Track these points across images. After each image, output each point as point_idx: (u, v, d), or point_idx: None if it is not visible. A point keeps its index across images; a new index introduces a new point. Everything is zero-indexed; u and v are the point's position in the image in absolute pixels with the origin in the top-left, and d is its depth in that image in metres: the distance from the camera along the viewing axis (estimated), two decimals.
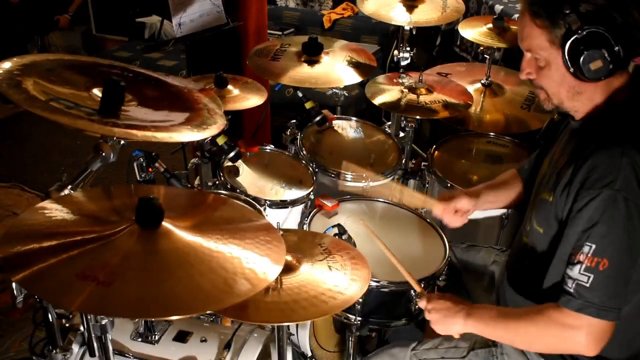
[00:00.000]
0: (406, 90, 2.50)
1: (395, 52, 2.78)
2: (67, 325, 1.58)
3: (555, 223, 1.41)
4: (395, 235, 1.98)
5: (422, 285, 1.67)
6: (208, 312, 1.61)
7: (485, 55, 2.72)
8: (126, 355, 1.57)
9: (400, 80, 2.59)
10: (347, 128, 2.65)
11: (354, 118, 2.72)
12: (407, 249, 1.89)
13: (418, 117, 2.54)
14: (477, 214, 1.97)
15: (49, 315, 1.41)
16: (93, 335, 1.30)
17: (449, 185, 2.32)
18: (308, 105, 2.48)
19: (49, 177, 3.83)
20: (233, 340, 1.58)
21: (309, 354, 1.94)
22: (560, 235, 1.39)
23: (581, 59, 1.30)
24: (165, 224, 1.23)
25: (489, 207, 1.88)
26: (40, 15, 5.16)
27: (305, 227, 1.95)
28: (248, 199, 2.07)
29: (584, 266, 1.29)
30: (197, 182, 2.61)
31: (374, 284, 1.73)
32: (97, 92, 1.42)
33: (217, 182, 2.24)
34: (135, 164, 1.78)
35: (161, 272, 1.14)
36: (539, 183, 1.58)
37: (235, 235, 1.29)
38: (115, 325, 1.32)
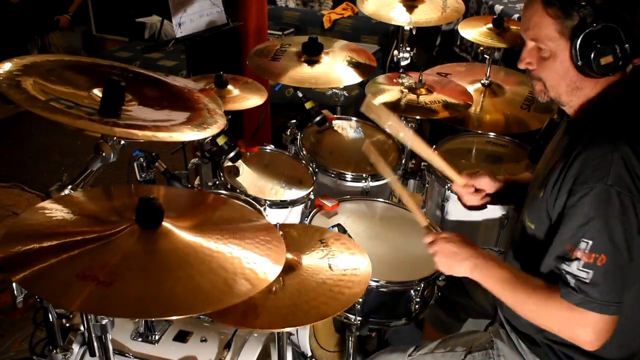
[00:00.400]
0: (406, 91, 2.50)
1: (395, 52, 2.78)
2: (67, 325, 1.58)
3: (546, 219, 1.41)
4: (395, 235, 1.98)
5: (421, 286, 1.67)
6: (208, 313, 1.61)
7: (485, 56, 2.72)
8: (126, 355, 1.57)
9: (400, 80, 2.59)
10: (347, 128, 2.65)
11: (354, 118, 2.72)
12: (407, 249, 1.89)
13: (418, 117, 2.54)
14: (477, 215, 1.97)
15: (49, 315, 1.41)
16: (93, 335, 1.30)
17: (449, 185, 2.32)
18: (308, 105, 2.48)
19: (49, 177, 3.83)
20: (233, 340, 1.58)
21: (309, 354, 1.94)
22: (551, 231, 1.39)
23: (592, 53, 1.29)
24: (165, 224, 1.23)
25: (505, 201, 1.83)
26: (40, 16, 5.16)
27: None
28: (248, 199, 2.08)
29: (582, 262, 1.29)
30: (197, 182, 2.62)
31: (374, 283, 1.73)
32: (97, 92, 1.43)
33: (217, 182, 2.24)
34: (135, 164, 1.78)
35: (161, 272, 1.14)
36: (533, 180, 1.59)
37: (235, 236, 1.29)
38: (115, 325, 1.32)
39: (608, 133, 1.33)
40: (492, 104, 2.70)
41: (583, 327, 1.31)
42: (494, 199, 1.79)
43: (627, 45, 1.29)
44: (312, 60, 2.40)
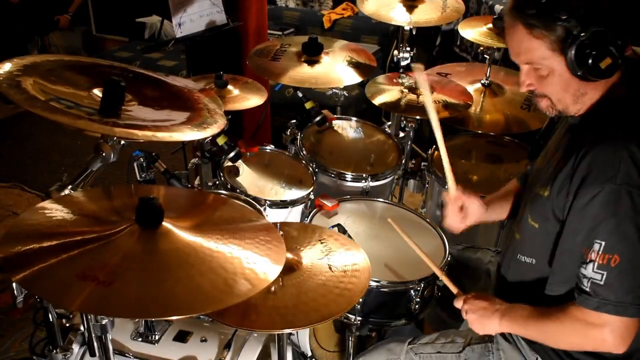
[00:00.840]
0: (406, 90, 2.50)
1: (395, 52, 2.78)
2: (67, 325, 1.58)
3: (553, 218, 1.41)
4: (396, 235, 1.98)
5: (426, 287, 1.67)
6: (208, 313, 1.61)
7: (485, 56, 2.72)
8: (126, 355, 1.57)
9: (400, 80, 2.59)
10: (347, 128, 2.65)
11: (354, 118, 2.72)
12: (407, 249, 1.89)
13: (418, 117, 2.54)
14: None
15: (49, 315, 1.41)
16: (93, 335, 1.30)
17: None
18: (308, 105, 2.48)
19: (49, 177, 3.83)
20: (233, 340, 1.58)
21: (309, 354, 1.94)
22: (557, 230, 1.39)
23: (590, 60, 1.28)
24: (165, 224, 1.23)
25: (495, 217, 1.83)
26: (40, 16, 5.16)
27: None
28: (248, 199, 2.08)
29: (596, 264, 1.29)
30: (197, 182, 2.62)
31: (374, 284, 1.73)
32: (97, 92, 1.43)
33: (217, 182, 2.24)
34: (135, 164, 1.78)
35: (161, 272, 1.14)
36: (533, 177, 1.58)
37: (235, 235, 1.29)
38: (115, 325, 1.32)
39: (614, 132, 1.32)
40: (492, 104, 2.69)
41: (601, 330, 1.30)
42: (488, 218, 1.80)
43: (619, 42, 1.29)
44: (312, 60, 2.40)
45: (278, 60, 2.40)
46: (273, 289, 1.41)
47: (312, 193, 2.22)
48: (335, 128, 2.62)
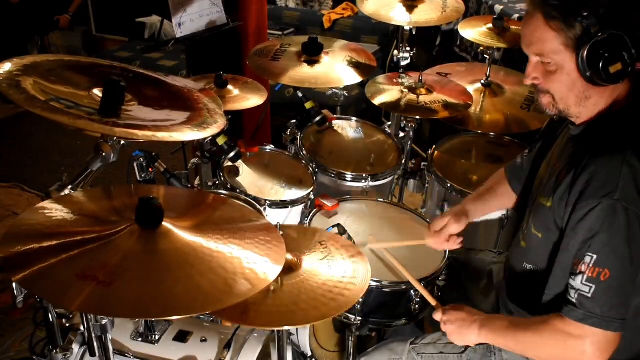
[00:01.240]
0: (406, 90, 2.50)
1: (395, 52, 2.78)
2: (67, 325, 1.58)
3: (555, 229, 1.41)
4: (395, 235, 1.98)
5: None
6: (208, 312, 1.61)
7: (485, 55, 2.72)
8: (126, 355, 1.57)
9: (400, 80, 2.59)
10: (347, 128, 2.65)
11: (354, 118, 2.72)
12: (407, 250, 1.89)
13: (418, 117, 2.54)
14: None
15: (50, 315, 1.41)
16: (93, 335, 1.30)
17: (448, 185, 2.32)
18: (308, 105, 2.48)
19: (49, 177, 3.83)
20: (233, 340, 1.58)
21: (309, 354, 1.94)
22: (560, 242, 1.39)
23: (601, 62, 1.27)
24: (165, 224, 1.23)
25: (482, 215, 1.86)
26: (40, 15, 5.16)
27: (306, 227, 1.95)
28: (248, 199, 2.08)
29: (585, 276, 1.28)
30: (197, 182, 2.62)
31: (374, 284, 1.73)
32: (97, 92, 1.43)
33: (217, 182, 2.24)
34: (135, 164, 1.78)
35: (161, 272, 1.14)
36: (537, 187, 1.57)
37: (235, 235, 1.29)
38: (115, 325, 1.32)
39: (616, 145, 1.31)
40: (492, 104, 2.69)
41: (582, 341, 1.30)
42: (474, 218, 1.84)
43: (634, 51, 1.28)
44: (312, 60, 2.40)
45: (278, 60, 2.40)
46: (272, 288, 1.41)
47: (312, 193, 2.22)
48: (335, 128, 2.62)
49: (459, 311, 1.52)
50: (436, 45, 4.33)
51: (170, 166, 1.89)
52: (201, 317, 1.75)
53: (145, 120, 1.38)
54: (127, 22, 5.44)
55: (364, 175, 2.33)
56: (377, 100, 2.46)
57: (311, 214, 2.03)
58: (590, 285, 1.28)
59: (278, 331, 1.48)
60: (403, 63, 2.73)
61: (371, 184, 2.32)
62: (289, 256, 1.50)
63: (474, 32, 2.71)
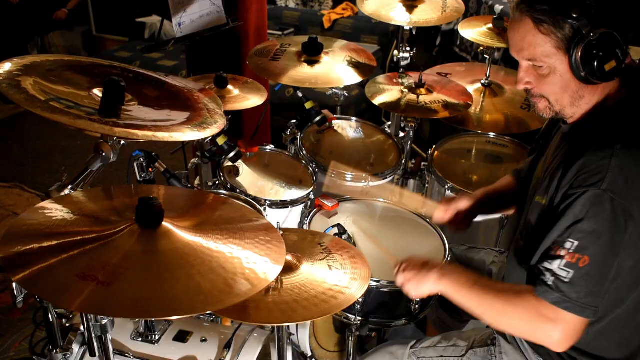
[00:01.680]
0: (406, 90, 2.50)
1: (395, 52, 2.78)
2: (67, 325, 1.58)
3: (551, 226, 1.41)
4: (395, 235, 1.98)
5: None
6: (208, 312, 1.61)
7: (485, 55, 2.72)
8: (126, 355, 1.57)
9: (400, 80, 2.59)
10: (347, 128, 2.65)
11: (354, 118, 2.72)
12: (407, 249, 1.89)
13: (418, 117, 2.54)
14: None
15: (49, 315, 1.41)
16: (93, 335, 1.30)
17: (448, 185, 2.32)
18: (308, 105, 2.48)
19: (49, 177, 3.84)
20: (233, 340, 1.58)
21: (309, 353, 1.94)
22: None
23: (596, 61, 1.28)
24: (165, 224, 1.23)
25: (485, 212, 1.85)
26: (40, 15, 5.16)
27: (305, 227, 1.95)
28: (248, 199, 2.08)
29: (564, 261, 1.28)
30: (197, 182, 2.62)
31: (374, 284, 1.73)
32: (97, 92, 1.43)
33: (217, 182, 2.24)
34: (135, 164, 1.78)
35: (161, 272, 1.14)
36: (533, 186, 1.58)
37: (235, 236, 1.29)
38: (115, 325, 1.32)
39: (607, 139, 1.32)
40: (492, 104, 2.70)
41: (554, 325, 1.29)
42: (480, 212, 1.82)
43: (625, 47, 1.29)
44: (312, 60, 2.40)
45: (278, 60, 2.40)
46: (273, 287, 1.41)
47: (312, 193, 2.22)
48: (335, 128, 2.62)
49: (417, 260, 1.50)
50: (436, 45, 4.33)
51: (170, 166, 1.88)
52: (201, 317, 1.75)
53: (145, 120, 1.38)
54: (127, 22, 5.44)
55: (364, 175, 2.33)
56: (377, 100, 2.46)
57: (311, 214, 2.03)
58: (569, 270, 1.28)
59: (278, 331, 1.49)
60: (403, 63, 2.74)
61: (371, 184, 2.32)
62: (289, 257, 1.50)
63: (474, 32, 2.71)
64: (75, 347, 1.55)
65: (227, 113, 1.89)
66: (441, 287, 1.44)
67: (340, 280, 1.47)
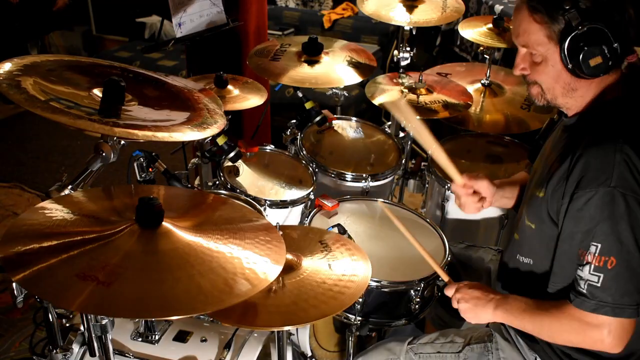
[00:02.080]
0: (406, 90, 2.50)
1: (395, 52, 2.78)
2: (67, 325, 1.58)
3: (548, 220, 1.41)
4: (396, 235, 1.98)
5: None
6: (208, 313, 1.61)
7: (485, 56, 2.72)
8: (126, 355, 1.57)
9: (400, 80, 2.59)
10: (347, 128, 2.65)
11: (354, 118, 2.72)
12: (407, 249, 1.89)
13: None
14: (477, 214, 1.96)
15: (49, 315, 1.41)
16: (93, 335, 1.30)
17: (448, 185, 2.32)
18: (308, 105, 2.48)
19: (49, 177, 3.84)
20: (233, 340, 1.58)
21: (309, 353, 1.94)
22: (552, 232, 1.40)
23: (581, 55, 1.30)
24: (165, 224, 1.23)
25: (503, 203, 1.83)
26: (40, 15, 5.16)
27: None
28: (248, 199, 2.08)
29: (592, 266, 1.29)
30: (197, 182, 2.62)
31: (374, 283, 1.73)
32: (97, 92, 1.43)
33: (217, 182, 2.24)
34: (135, 164, 1.78)
35: (161, 272, 1.14)
36: (531, 179, 1.59)
37: (235, 236, 1.29)
38: (115, 325, 1.32)
39: (609, 134, 1.33)
40: (492, 104, 2.70)
41: (600, 330, 1.31)
42: (495, 203, 1.80)
43: (615, 45, 1.29)
44: (312, 60, 2.40)
45: (278, 60, 2.40)
46: (273, 288, 1.41)
47: (312, 193, 2.22)
48: (335, 128, 2.62)
49: (474, 289, 1.52)
50: (436, 45, 4.33)
51: (170, 166, 1.88)
52: (201, 317, 1.75)
53: (145, 120, 1.38)
54: (127, 22, 5.44)
55: (364, 175, 2.33)
56: (377, 100, 2.46)
57: (311, 214, 2.03)
58: (598, 274, 1.29)
59: (278, 331, 1.49)
60: (403, 63, 2.73)
61: (371, 184, 2.32)
62: (289, 256, 1.50)
63: (474, 32, 2.71)
64: (75, 347, 1.55)
65: (227, 113, 1.89)
66: (497, 318, 1.48)
67: (341, 279, 1.47)
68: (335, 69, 2.39)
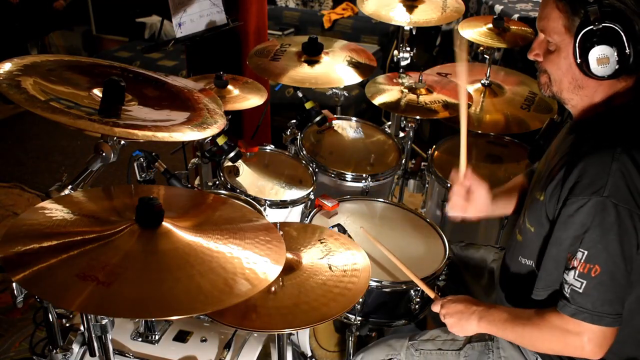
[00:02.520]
0: (406, 90, 2.50)
1: (395, 52, 2.78)
2: (67, 325, 1.59)
3: (547, 223, 1.41)
4: (395, 235, 1.98)
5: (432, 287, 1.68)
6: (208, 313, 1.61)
7: (485, 56, 2.72)
8: (126, 355, 1.57)
9: (400, 80, 2.59)
10: (347, 128, 2.66)
11: (354, 118, 2.72)
12: (407, 249, 1.89)
13: (418, 117, 2.54)
14: None
15: (49, 315, 1.41)
16: (93, 335, 1.30)
17: (448, 185, 2.32)
18: (308, 105, 2.48)
19: (49, 177, 3.84)
20: (233, 340, 1.58)
21: (309, 353, 1.94)
22: (549, 235, 1.40)
23: (590, 52, 1.29)
24: (165, 224, 1.23)
25: (500, 212, 1.81)
26: (41, 15, 5.16)
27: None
28: (248, 199, 2.08)
29: (577, 272, 1.29)
30: (197, 182, 2.62)
31: (374, 284, 1.73)
32: (97, 92, 1.43)
33: (217, 182, 2.24)
34: (135, 164, 1.78)
35: (161, 272, 1.14)
36: (534, 181, 1.58)
37: (235, 236, 1.29)
38: (115, 325, 1.32)
39: (608, 142, 1.31)
40: (492, 104, 2.70)
41: (580, 337, 1.31)
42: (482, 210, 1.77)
43: (628, 51, 1.28)
44: (312, 60, 2.40)
45: (278, 60, 2.40)
46: (273, 289, 1.41)
47: (312, 193, 2.22)
48: (335, 128, 2.62)
49: (457, 303, 1.53)
50: (436, 45, 4.33)
51: (170, 166, 1.88)
52: (201, 317, 1.75)
53: (145, 120, 1.38)
54: (127, 22, 5.44)
55: (364, 175, 2.33)
56: (377, 100, 2.46)
57: (311, 214, 2.03)
58: (582, 280, 1.29)
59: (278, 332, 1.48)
60: (403, 63, 2.74)
61: (371, 184, 2.32)
62: (289, 255, 1.50)
63: (474, 32, 2.71)
64: (75, 347, 1.55)
65: (227, 113, 1.89)
66: (482, 329, 1.49)
67: (341, 282, 1.47)
68: (335, 69, 2.39)
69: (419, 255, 1.89)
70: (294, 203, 2.18)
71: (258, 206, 2.05)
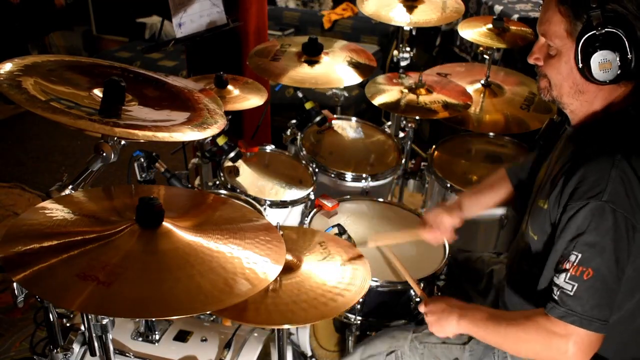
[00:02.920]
0: (406, 91, 2.50)
1: (395, 52, 2.79)
2: (68, 324, 1.59)
3: (551, 230, 1.40)
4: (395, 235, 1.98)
5: (422, 286, 1.68)
6: (208, 312, 1.62)
7: (485, 56, 2.72)
8: (127, 354, 1.57)
9: (400, 81, 2.59)
10: (347, 128, 2.66)
11: (354, 118, 2.72)
12: (407, 249, 1.90)
13: (418, 117, 2.54)
14: (475, 214, 1.96)
15: (50, 315, 1.41)
16: (94, 334, 1.30)
17: (448, 185, 2.33)
18: (308, 105, 2.48)
19: (50, 177, 3.84)
20: (233, 340, 1.58)
21: (309, 353, 1.95)
22: (553, 242, 1.39)
23: (592, 57, 1.28)
24: (166, 224, 1.23)
25: (477, 211, 1.84)
26: (41, 16, 5.16)
27: (306, 227, 1.95)
28: (248, 199, 2.08)
29: (569, 274, 1.28)
30: (197, 182, 2.62)
31: (373, 283, 1.73)
32: (97, 92, 1.43)
33: (217, 182, 2.24)
34: (135, 164, 1.78)
35: (161, 272, 1.14)
36: (536, 189, 1.58)
37: (235, 236, 1.29)
38: (115, 325, 1.32)
39: (608, 148, 1.31)
40: (491, 104, 2.70)
41: (565, 340, 1.29)
42: (470, 214, 1.83)
43: (630, 56, 1.27)
44: (312, 61, 2.40)
45: (278, 61, 2.40)
46: (271, 287, 1.42)
47: (312, 193, 2.22)
48: (335, 128, 2.62)
49: (439, 302, 1.52)
50: (436, 46, 4.33)
51: (170, 166, 1.89)
52: (201, 317, 1.75)
53: (146, 121, 1.38)
54: (127, 22, 5.44)
55: (364, 175, 2.33)
56: (377, 101, 2.46)
57: (311, 214, 2.03)
58: (573, 283, 1.28)
59: (278, 331, 1.49)
60: (403, 63, 2.74)
61: (371, 184, 2.32)
62: (289, 257, 1.50)
63: (474, 32, 2.71)
64: (76, 347, 1.55)
65: (227, 113, 1.89)
66: (462, 329, 1.47)
67: (340, 281, 1.47)
68: (335, 69, 2.40)
69: (418, 255, 1.89)
70: (294, 203, 2.18)
71: (258, 206, 2.06)
